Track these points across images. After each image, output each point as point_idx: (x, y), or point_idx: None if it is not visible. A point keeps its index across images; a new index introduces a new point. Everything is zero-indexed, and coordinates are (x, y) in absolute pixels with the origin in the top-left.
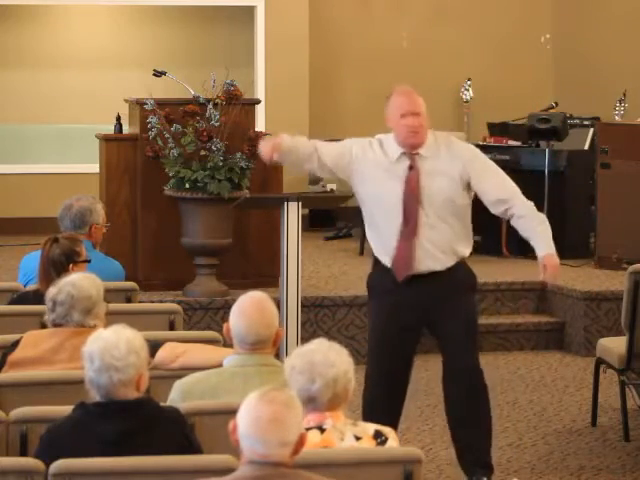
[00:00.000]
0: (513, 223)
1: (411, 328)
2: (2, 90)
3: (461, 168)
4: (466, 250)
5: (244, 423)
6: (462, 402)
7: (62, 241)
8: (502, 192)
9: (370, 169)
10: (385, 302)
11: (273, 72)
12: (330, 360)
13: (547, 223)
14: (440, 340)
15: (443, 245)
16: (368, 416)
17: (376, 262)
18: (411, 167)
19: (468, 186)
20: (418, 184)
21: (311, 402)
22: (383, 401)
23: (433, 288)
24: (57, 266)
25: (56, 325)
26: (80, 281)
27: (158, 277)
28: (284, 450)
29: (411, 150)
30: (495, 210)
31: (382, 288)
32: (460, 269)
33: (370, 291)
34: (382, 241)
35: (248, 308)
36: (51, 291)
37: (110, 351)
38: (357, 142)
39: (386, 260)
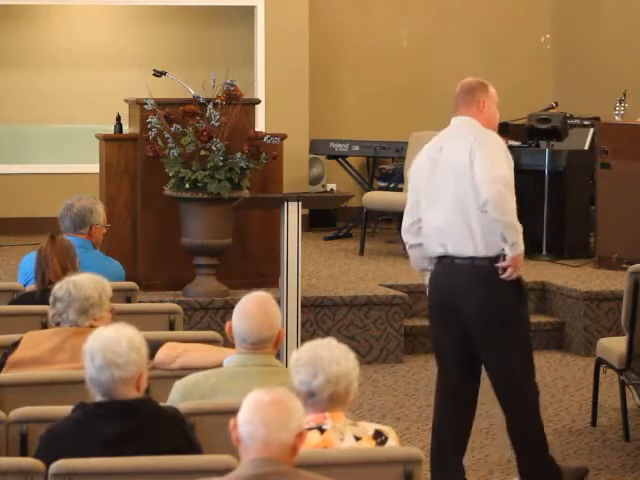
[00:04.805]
0: None
1: None
2: (2, 90)
3: None
4: None
5: (245, 412)
6: None
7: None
8: None
9: None
10: None
11: (273, 72)
12: (335, 357)
13: None
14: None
15: None
16: None
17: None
18: None
19: None
20: None
21: (310, 397)
22: None
23: None
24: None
25: (56, 323)
26: (82, 281)
27: (158, 277)
28: (285, 435)
29: None
30: None
31: None
32: None
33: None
34: None
35: (251, 308)
36: (56, 286)
37: (111, 348)
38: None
39: None
